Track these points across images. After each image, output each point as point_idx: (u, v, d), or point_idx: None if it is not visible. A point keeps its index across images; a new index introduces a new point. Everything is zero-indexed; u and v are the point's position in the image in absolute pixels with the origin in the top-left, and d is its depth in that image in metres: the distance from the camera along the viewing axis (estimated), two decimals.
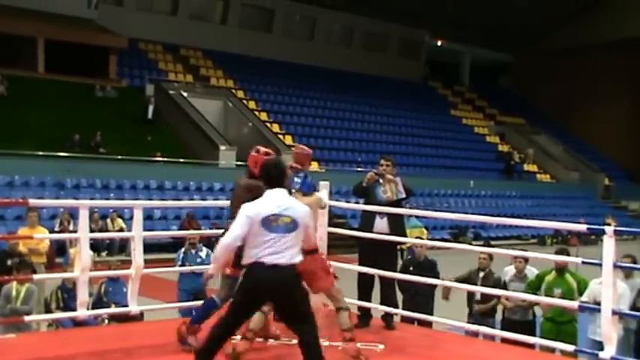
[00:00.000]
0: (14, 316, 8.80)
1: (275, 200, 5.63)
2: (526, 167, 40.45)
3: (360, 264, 8.09)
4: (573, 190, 39.39)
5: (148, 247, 8.50)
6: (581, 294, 8.28)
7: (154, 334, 7.35)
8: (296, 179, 7.11)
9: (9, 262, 10.34)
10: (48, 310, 9.85)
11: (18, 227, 13.69)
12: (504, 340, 8.03)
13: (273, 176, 5.76)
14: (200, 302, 8.66)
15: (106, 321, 9.63)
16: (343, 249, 14.53)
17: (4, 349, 6.78)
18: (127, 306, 7.59)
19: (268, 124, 30.83)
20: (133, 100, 28.65)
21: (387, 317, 8.02)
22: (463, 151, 37.90)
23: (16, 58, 27.76)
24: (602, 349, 6.36)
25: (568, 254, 8.76)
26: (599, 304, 6.43)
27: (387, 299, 8.06)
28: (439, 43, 45.39)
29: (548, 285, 8.70)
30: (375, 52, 41.60)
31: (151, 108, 28.16)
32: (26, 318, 8.17)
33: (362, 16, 39.73)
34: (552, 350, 7.62)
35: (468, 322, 8.95)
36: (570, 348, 7.02)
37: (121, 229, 19.63)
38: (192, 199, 23.40)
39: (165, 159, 25.59)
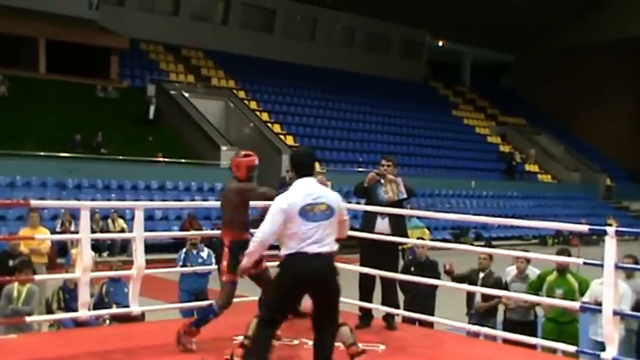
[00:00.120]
0: (16, 317, 8.80)
1: (307, 189, 5.60)
2: (527, 168, 40.43)
3: (362, 264, 8.09)
4: (574, 191, 39.37)
5: (150, 247, 8.52)
6: (582, 294, 8.27)
7: (156, 334, 7.35)
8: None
9: (10, 263, 10.34)
10: (49, 311, 9.85)
11: (19, 228, 13.69)
12: (506, 341, 8.03)
13: (305, 165, 5.74)
14: (201, 303, 8.69)
15: (108, 321, 9.63)
16: (344, 249, 14.50)
17: (5, 350, 6.78)
18: (128, 306, 7.59)
19: (269, 125, 30.81)
20: (135, 100, 28.65)
21: (389, 318, 8.01)
22: (464, 151, 37.88)
23: (18, 59, 27.77)
24: (603, 349, 6.36)
25: (569, 255, 8.76)
26: (600, 304, 6.42)
27: (389, 300, 8.05)
28: (440, 43, 45.38)
29: (550, 285, 8.70)
30: (377, 52, 41.59)
31: (152, 108, 28.15)
32: (27, 318, 8.19)
33: (363, 17, 39.72)
34: (554, 351, 7.61)
35: (469, 323, 8.95)
36: (572, 349, 7.01)
37: (122, 230, 19.65)
38: (193, 200, 23.42)
39: (166, 159, 25.58)
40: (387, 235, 7.94)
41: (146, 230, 7.65)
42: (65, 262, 12.14)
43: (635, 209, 39.67)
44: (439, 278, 9.12)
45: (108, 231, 19.67)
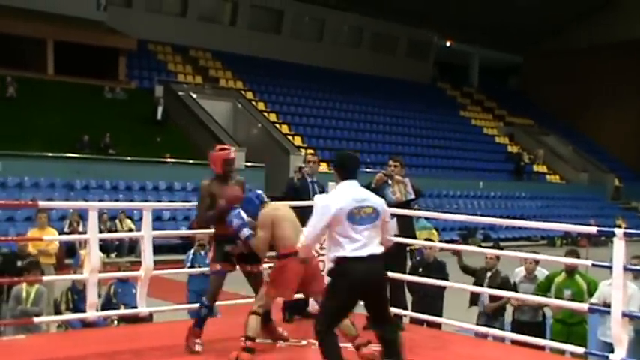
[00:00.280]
0: (24, 317, 8.84)
1: (353, 192, 5.54)
2: (535, 168, 40.36)
3: None
4: (583, 191, 39.27)
5: (158, 248, 8.52)
6: (591, 295, 8.24)
7: (164, 335, 7.36)
8: (259, 191, 6.98)
9: (19, 264, 10.37)
10: (58, 312, 9.88)
11: (28, 228, 13.72)
12: (514, 342, 8.01)
13: (350, 168, 5.69)
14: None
15: (116, 322, 9.65)
16: None
17: (14, 350, 6.81)
18: (136, 307, 7.58)
19: (277, 125, 30.83)
20: (142, 101, 28.70)
21: (396, 318, 8.00)
22: (472, 152, 37.83)
23: (26, 60, 27.83)
24: (612, 351, 6.34)
25: (578, 256, 8.73)
26: (609, 305, 6.39)
27: (396, 300, 8.02)
28: (448, 44, 45.34)
29: (558, 286, 8.67)
30: (384, 53, 41.58)
31: (160, 109, 28.20)
32: (36, 319, 8.21)
33: (371, 18, 39.72)
34: (562, 352, 7.59)
35: (477, 324, 8.94)
36: (580, 350, 6.99)
37: (130, 230, 19.68)
38: None
39: (174, 160, 25.62)
40: (395, 235, 7.93)
41: (154, 231, 7.66)
42: (73, 263, 12.18)
43: None
44: (447, 279, 9.11)
45: (116, 232, 19.70)
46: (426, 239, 10.74)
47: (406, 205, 8.16)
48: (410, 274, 8.76)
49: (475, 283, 9.19)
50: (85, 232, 8.02)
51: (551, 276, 8.88)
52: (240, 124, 30.63)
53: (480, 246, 19.50)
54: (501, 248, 12.32)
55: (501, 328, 8.70)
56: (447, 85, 45.72)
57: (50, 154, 23.03)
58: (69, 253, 15.71)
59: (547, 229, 20.41)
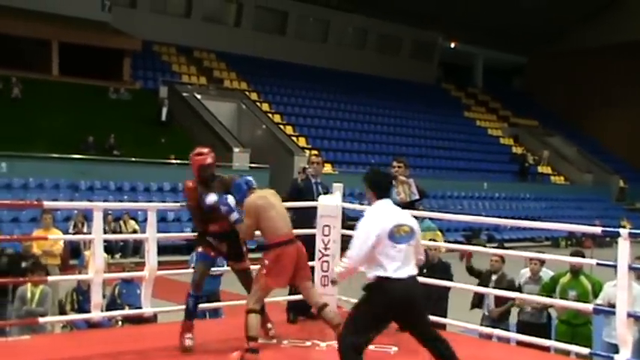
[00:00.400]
0: (29, 318, 8.84)
1: (390, 211, 5.55)
2: (540, 169, 40.31)
3: None
4: (587, 192, 39.23)
5: (162, 249, 8.51)
6: (596, 296, 8.22)
7: (168, 336, 7.34)
8: (249, 177, 6.99)
9: (23, 264, 10.39)
10: (62, 312, 9.88)
11: (32, 229, 13.75)
12: (519, 343, 7.99)
13: (384, 186, 5.67)
14: (214, 304, 8.70)
15: (120, 323, 9.64)
16: None
17: (19, 351, 6.81)
18: (140, 308, 7.60)
19: (282, 126, 30.83)
20: (147, 102, 28.74)
21: None
22: (477, 152, 37.82)
23: (31, 61, 27.87)
24: (617, 351, 6.32)
25: (583, 257, 8.71)
26: (613, 306, 6.38)
27: None
28: (452, 45, 45.31)
29: (563, 287, 8.65)
30: (389, 54, 41.60)
31: (164, 110, 28.23)
32: (41, 320, 8.22)
33: (375, 19, 39.71)
34: (567, 353, 7.58)
35: (482, 325, 8.92)
36: (585, 351, 6.97)
37: (134, 231, 19.70)
38: None
39: (178, 161, 25.60)
40: None
41: (159, 232, 7.67)
42: (78, 264, 12.18)
43: None
44: (451, 280, 9.08)
45: (120, 232, 19.72)
46: (430, 240, 10.73)
47: (410, 205, 8.15)
48: None
49: (480, 286, 9.17)
50: (89, 233, 8.02)
51: (556, 277, 8.86)
52: (244, 125, 30.64)
53: (485, 247, 19.49)
54: (506, 249, 12.29)
55: (506, 330, 8.68)
56: (451, 86, 45.71)
57: (55, 155, 23.06)
58: (74, 254, 15.72)
59: (551, 229, 20.35)
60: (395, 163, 8.30)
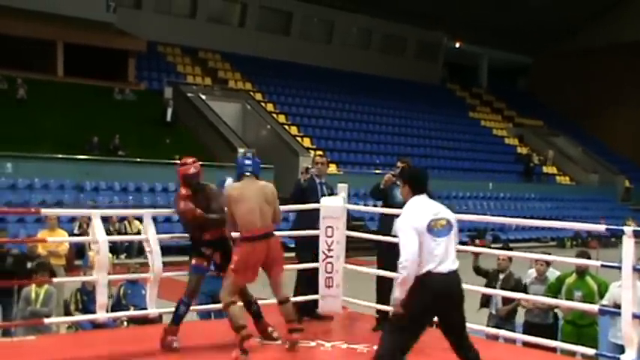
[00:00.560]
0: (34, 318, 8.85)
1: (427, 205, 5.55)
2: (545, 169, 40.25)
3: (379, 267, 8.05)
4: (593, 193, 39.15)
5: (167, 249, 8.52)
6: (602, 296, 8.19)
7: None
8: (247, 161, 6.96)
9: (29, 265, 10.40)
10: (67, 313, 9.89)
11: (38, 230, 13.75)
12: (525, 344, 7.97)
13: (421, 182, 5.67)
14: (218, 305, 8.70)
15: (125, 323, 9.65)
16: (361, 251, 14.50)
17: (24, 351, 6.83)
18: (145, 309, 7.59)
19: (286, 127, 30.82)
20: (152, 103, 28.75)
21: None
22: (482, 153, 37.78)
23: (36, 62, 27.89)
24: (623, 352, 6.30)
25: (589, 257, 8.68)
26: (619, 307, 6.37)
27: None
28: (457, 45, 45.27)
29: (569, 288, 8.62)
30: (393, 54, 41.59)
31: (169, 111, 28.25)
32: (46, 320, 8.23)
33: (380, 19, 39.70)
34: (573, 354, 7.55)
35: (488, 325, 8.90)
36: (591, 351, 6.95)
37: (139, 232, 19.67)
38: None
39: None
40: None
41: (163, 232, 7.67)
42: (83, 264, 12.19)
43: None
44: None
45: (125, 233, 19.71)
46: None
47: None
48: None
49: (487, 285, 9.14)
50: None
51: (562, 277, 8.83)
52: (249, 126, 30.64)
53: (490, 247, 19.49)
54: (511, 249, 12.26)
55: (512, 330, 8.66)
56: (456, 86, 45.68)
57: (60, 156, 23.07)
58: (78, 255, 15.74)
59: (557, 229, 20.32)
60: (399, 164, 8.28)
